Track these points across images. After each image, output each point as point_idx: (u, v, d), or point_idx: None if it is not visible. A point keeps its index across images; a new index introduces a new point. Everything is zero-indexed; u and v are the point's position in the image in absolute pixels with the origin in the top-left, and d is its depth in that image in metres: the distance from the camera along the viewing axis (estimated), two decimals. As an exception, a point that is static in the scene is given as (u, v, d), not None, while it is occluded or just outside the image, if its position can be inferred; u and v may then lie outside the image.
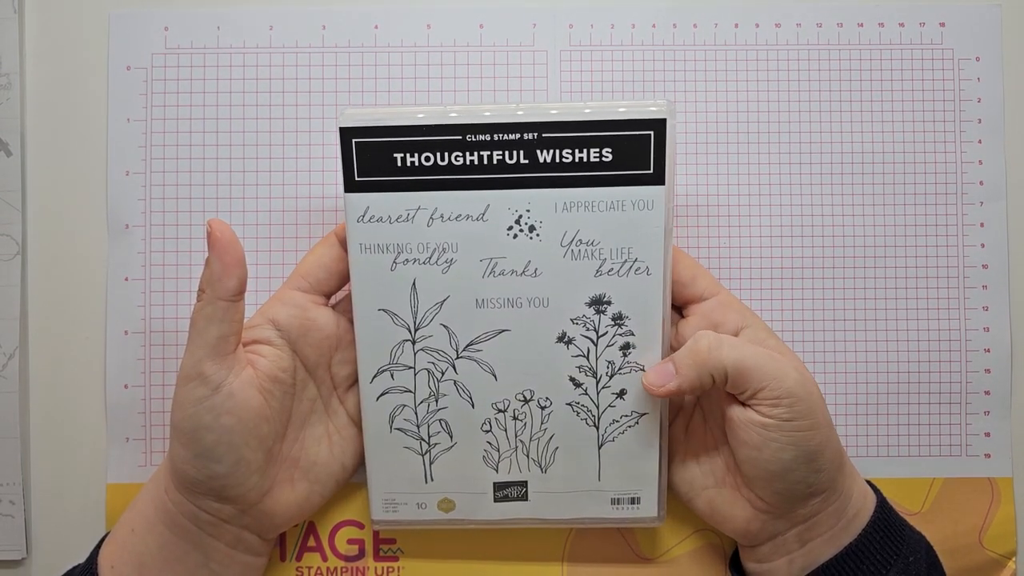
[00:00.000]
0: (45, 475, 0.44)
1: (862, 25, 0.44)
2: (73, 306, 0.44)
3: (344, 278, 0.40)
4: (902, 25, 0.45)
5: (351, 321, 0.39)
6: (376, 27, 0.44)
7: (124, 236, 0.44)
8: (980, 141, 0.44)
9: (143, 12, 0.44)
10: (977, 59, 0.45)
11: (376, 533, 0.44)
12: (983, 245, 0.44)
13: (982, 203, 0.44)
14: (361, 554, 0.44)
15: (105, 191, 0.44)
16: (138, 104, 0.44)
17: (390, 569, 0.44)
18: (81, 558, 0.40)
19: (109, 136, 0.44)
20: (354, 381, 0.41)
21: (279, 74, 0.44)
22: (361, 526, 0.44)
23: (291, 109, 0.44)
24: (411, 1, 0.44)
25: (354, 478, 0.43)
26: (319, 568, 0.44)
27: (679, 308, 0.41)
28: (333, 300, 0.41)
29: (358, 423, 0.41)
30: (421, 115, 0.37)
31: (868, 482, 0.41)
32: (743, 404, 0.37)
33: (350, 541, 0.44)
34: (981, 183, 0.44)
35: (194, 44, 0.44)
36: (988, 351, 0.44)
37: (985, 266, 0.44)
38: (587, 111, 0.37)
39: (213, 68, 0.44)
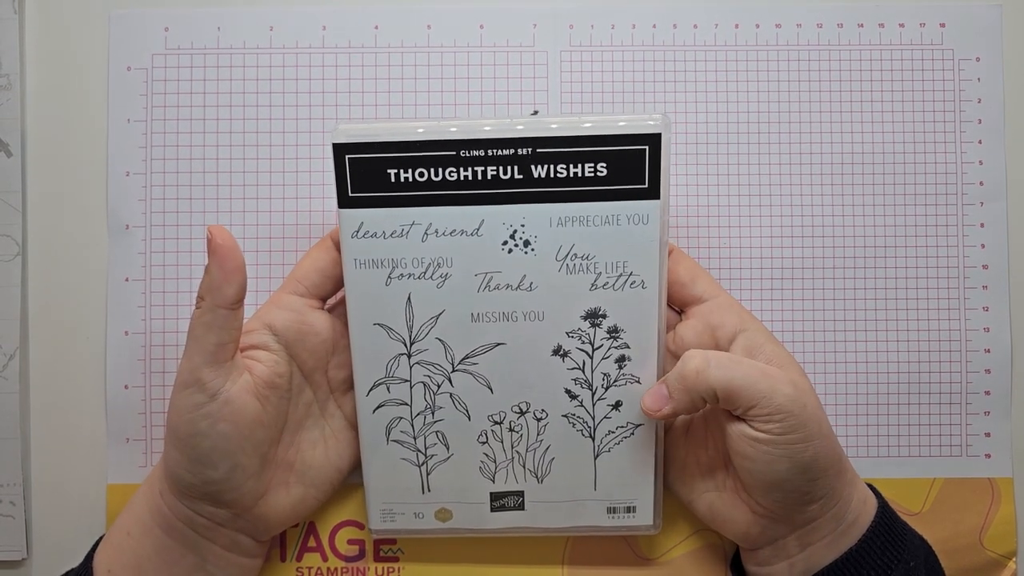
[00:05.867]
0: (45, 475, 0.43)
1: (862, 25, 0.43)
2: (73, 306, 0.43)
3: (340, 282, 0.38)
4: (902, 25, 0.43)
5: (347, 325, 0.38)
6: (376, 27, 0.43)
7: (124, 236, 0.43)
8: (980, 141, 0.43)
9: (143, 12, 0.42)
10: (977, 59, 0.43)
11: (376, 533, 0.43)
12: (983, 245, 0.43)
13: (982, 203, 0.43)
14: (361, 554, 0.43)
15: (105, 191, 0.43)
16: (138, 104, 0.42)
17: (390, 570, 0.43)
18: (81, 559, 0.39)
19: (109, 136, 0.42)
20: (351, 385, 0.39)
21: (279, 75, 0.42)
22: (361, 526, 0.42)
23: (291, 110, 0.42)
24: (411, 1, 0.43)
25: (355, 479, 0.41)
26: (319, 568, 0.42)
27: (678, 309, 0.40)
28: (328, 304, 0.40)
29: (355, 426, 0.39)
30: (421, 130, 0.35)
31: (870, 486, 0.39)
32: (737, 417, 0.36)
33: (350, 541, 0.42)
34: (981, 183, 0.43)
35: (194, 44, 0.43)
36: (988, 351, 0.43)
37: (985, 266, 0.43)
38: (586, 125, 0.35)
39: (213, 68, 0.43)
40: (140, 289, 0.42)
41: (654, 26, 0.43)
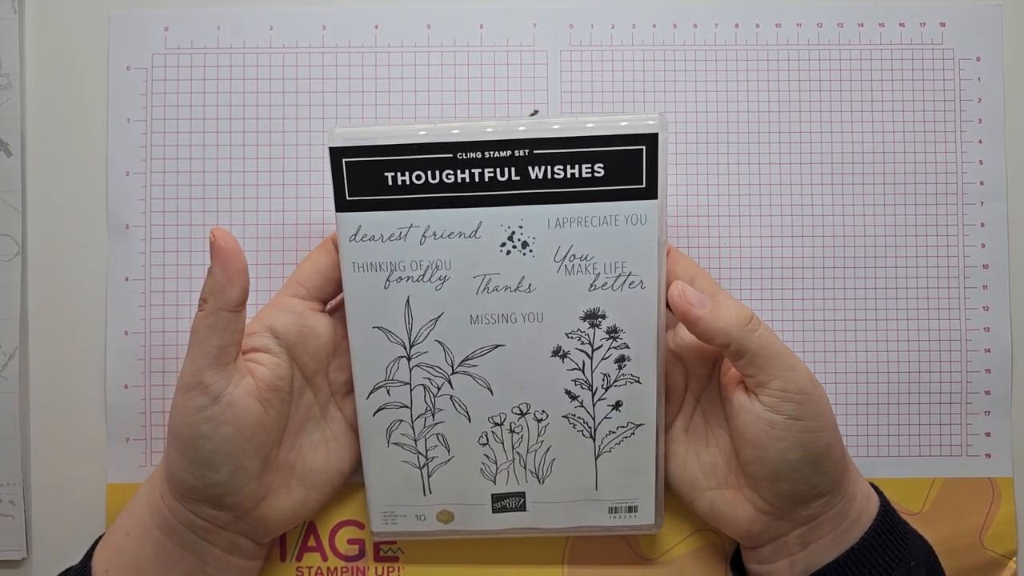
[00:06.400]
0: (45, 475, 0.42)
1: (862, 25, 0.43)
2: (73, 306, 0.42)
3: (341, 284, 0.38)
4: (902, 25, 0.43)
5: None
6: (376, 27, 0.43)
7: (124, 236, 0.42)
8: (980, 141, 0.43)
9: (143, 12, 0.42)
10: (977, 59, 0.43)
11: (376, 533, 0.43)
12: (983, 245, 0.43)
13: (982, 203, 0.43)
14: (361, 554, 0.42)
15: (105, 191, 0.42)
16: (138, 104, 0.42)
17: (390, 569, 0.42)
18: (80, 558, 0.38)
19: (109, 136, 0.42)
20: (352, 387, 0.39)
21: (279, 74, 0.42)
22: (361, 526, 0.42)
23: (291, 109, 0.42)
24: (411, 1, 0.43)
25: (355, 478, 0.41)
26: (319, 568, 0.42)
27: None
28: (329, 306, 0.39)
29: (356, 428, 0.39)
30: (423, 132, 0.35)
31: (872, 485, 0.39)
32: (748, 394, 0.36)
33: (350, 541, 0.42)
34: (981, 183, 0.43)
35: (194, 44, 0.43)
36: (988, 351, 0.43)
37: (985, 266, 0.43)
38: (589, 125, 0.35)
39: (213, 68, 0.42)
40: (140, 289, 0.42)
41: (654, 26, 0.43)
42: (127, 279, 0.42)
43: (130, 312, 0.42)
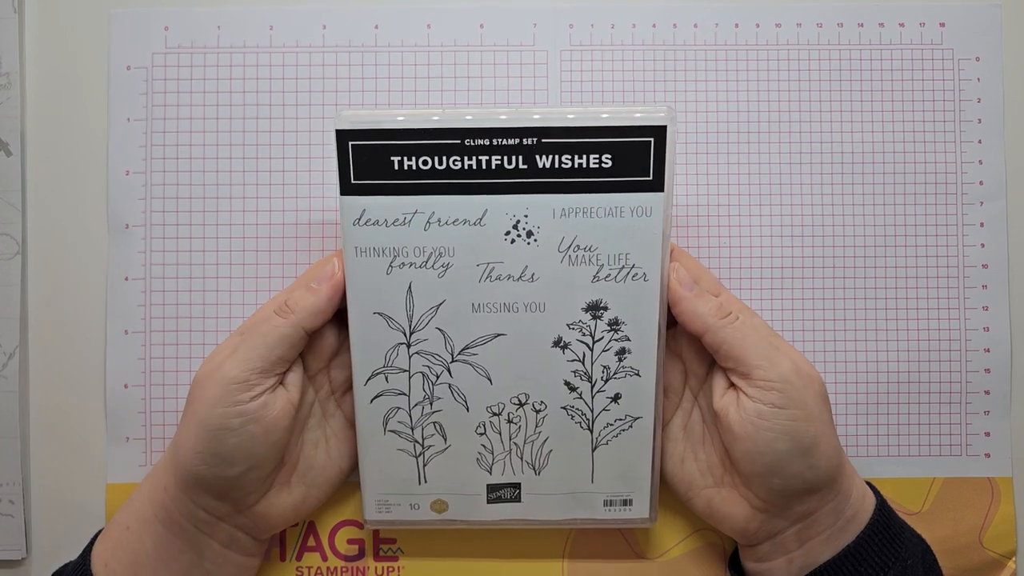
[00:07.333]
0: (45, 475, 0.42)
1: (862, 25, 0.43)
2: (73, 306, 0.42)
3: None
4: (902, 25, 0.43)
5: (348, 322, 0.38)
6: (376, 27, 0.43)
7: (124, 236, 0.42)
8: (980, 141, 0.43)
9: (143, 12, 0.42)
10: (977, 59, 0.43)
11: (376, 533, 0.42)
12: (983, 245, 0.43)
13: (982, 203, 0.43)
14: (361, 554, 0.43)
15: (105, 191, 0.43)
16: (138, 104, 0.42)
17: (390, 569, 0.43)
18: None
19: (109, 136, 0.42)
20: (351, 385, 0.39)
21: (279, 74, 0.42)
22: (361, 526, 0.42)
23: (291, 109, 0.42)
24: (411, 1, 0.43)
25: (355, 478, 0.41)
26: (319, 568, 0.42)
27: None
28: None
29: (355, 426, 0.39)
30: (436, 117, 0.35)
31: (868, 484, 0.39)
32: (736, 391, 0.37)
33: (350, 541, 0.42)
34: (981, 183, 0.43)
35: (194, 44, 0.43)
36: (988, 351, 0.43)
37: (985, 266, 0.43)
38: (604, 116, 0.35)
39: (213, 68, 0.43)
40: (140, 288, 0.42)
41: (654, 25, 0.43)
42: (127, 279, 0.42)
43: (130, 312, 0.42)
